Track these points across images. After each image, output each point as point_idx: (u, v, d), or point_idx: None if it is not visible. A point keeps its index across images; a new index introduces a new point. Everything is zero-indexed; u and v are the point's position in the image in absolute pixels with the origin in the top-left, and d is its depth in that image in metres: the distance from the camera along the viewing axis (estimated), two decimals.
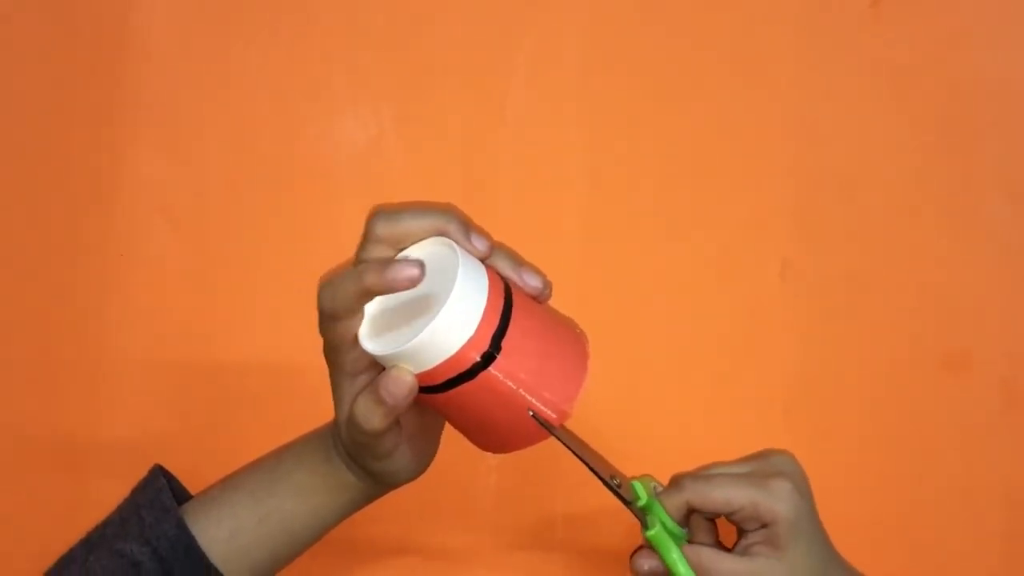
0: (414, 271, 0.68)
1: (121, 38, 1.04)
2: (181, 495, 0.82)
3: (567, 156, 1.03)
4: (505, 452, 0.75)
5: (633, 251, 1.02)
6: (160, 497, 0.79)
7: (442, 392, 0.70)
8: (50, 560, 0.80)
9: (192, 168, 1.05)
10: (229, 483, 0.81)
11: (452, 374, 0.69)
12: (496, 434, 0.74)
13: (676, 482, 0.76)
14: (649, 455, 0.98)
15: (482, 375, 0.69)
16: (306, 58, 1.04)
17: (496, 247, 0.73)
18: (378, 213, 0.73)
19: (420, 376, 0.70)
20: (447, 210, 0.72)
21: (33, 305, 1.05)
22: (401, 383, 0.70)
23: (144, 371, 1.04)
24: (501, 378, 0.70)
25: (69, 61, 1.05)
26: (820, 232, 1.01)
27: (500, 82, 1.03)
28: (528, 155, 1.03)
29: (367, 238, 0.73)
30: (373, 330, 0.72)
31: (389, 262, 0.69)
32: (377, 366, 0.72)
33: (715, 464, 0.77)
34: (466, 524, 1.02)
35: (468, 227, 0.72)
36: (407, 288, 0.69)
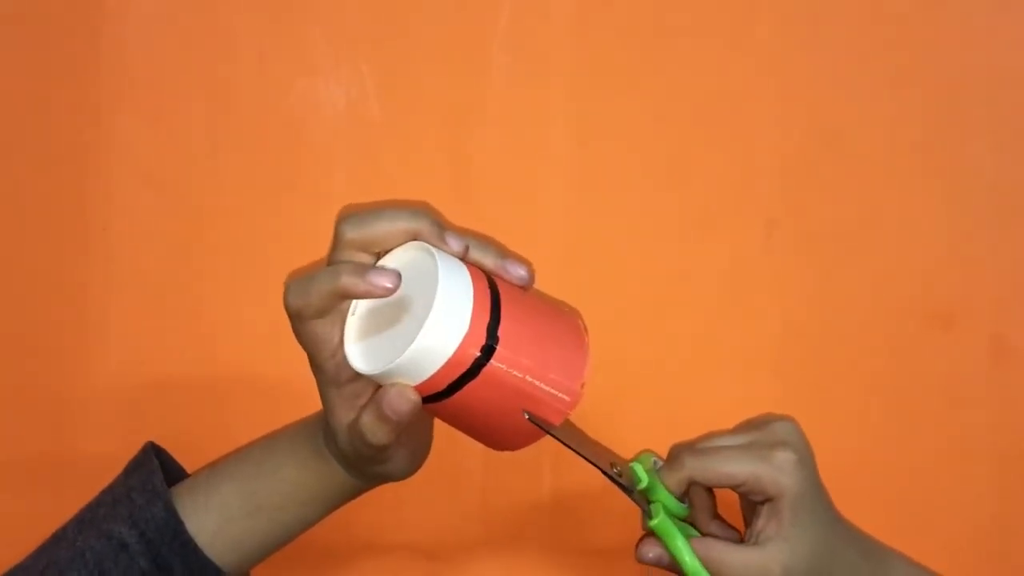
0: (391, 281, 0.68)
1: (100, 1, 1.03)
2: (174, 471, 0.82)
3: (551, 114, 1.02)
4: (519, 448, 0.74)
5: (618, 211, 1.02)
6: (152, 479, 0.79)
7: (447, 397, 0.69)
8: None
9: (175, 133, 1.04)
10: (218, 471, 0.80)
11: (454, 376, 0.69)
12: (508, 430, 0.73)
13: (675, 456, 0.75)
14: (637, 418, 0.98)
15: (485, 370, 0.69)
16: (287, 19, 1.03)
17: (477, 240, 0.72)
18: (346, 217, 0.71)
19: (422, 386, 0.69)
20: (418, 210, 0.71)
21: (13, 279, 1.04)
22: (404, 399, 0.69)
23: (129, 345, 1.04)
24: (505, 368, 0.69)
25: (47, 24, 1.04)
26: (806, 190, 1.01)
27: (484, 41, 1.02)
28: (512, 114, 1.02)
29: (337, 243, 0.71)
30: (356, 343, 0.71)
31: (367, 266, 0.69)
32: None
33: (713, 434, 0.76)
34: (453, 505, 1.02)
35: (441, 227, 0.71)
36: (382, 296, 0.68)
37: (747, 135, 1.01)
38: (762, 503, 0.73)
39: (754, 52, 1.01)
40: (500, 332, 0.69)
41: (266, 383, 1.02)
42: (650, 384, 1.01)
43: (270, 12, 1.03)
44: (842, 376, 1.01)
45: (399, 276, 0.68)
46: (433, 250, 0.70)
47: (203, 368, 1.03)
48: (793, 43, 1.01)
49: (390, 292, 0.68)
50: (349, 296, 0.70)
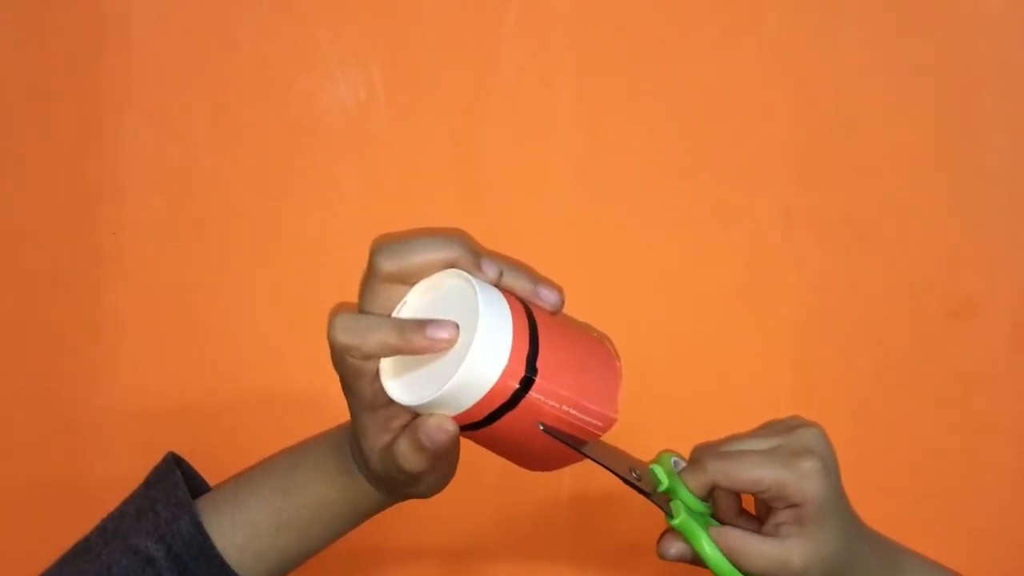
0: (453, 336, 0.67)
1: (103, 6, 1.03)
2: (195, 482, 0.82)
3: (560, 111, 1.01)
4: (554, 469, 0.74)
5: (632, 206, 1.01)
6: (176, 492, 0.79)
7: (485, 427, 0.69)
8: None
9: (183, 137, 1.03)
10: (244, 485, 0.80)
11: (493, 407, 0.68)
12: (542, 454, 0.73)
13: (698, 459, 0.74)
14: (656, 412, 0.98)
15: (524, 401, 0.68)
16: (295, 20, 1.02)
17: (510, 266, 0.72)
18: (380, 248, 0.71)
19: (459, 416, 0.69)
20: (453, 238, 0.71)
21: (24, 286, 1.04)
22: (443, 431, 0.69)
23: (142, 352, 1.03)
24: (543, 399, 0.69)
25: (49, 27, 1.03)
26: (824, 181, 1.00)
27: (491, 39, 1.01)
28: (522, 112, 1.01)
29: (373, 276, 0.71)
30: (393, 372, 0.70)
31: (426, 322, 0.68)
32: None
33: (737, 437, 0.75)
34: (472, 508, 1.01)
35: (477, 254, 0.71)
36: (442, 351, 0.68)
37: (762, 126, 1.00)
38: (783, 508, 0.73)
39: (768, 42, 1.00)
40: (539, 363, 0.69)
41: (280, 393, 1.02)
42: (668, 377, 1.01)
43: (277, 13, 1.02)
44: (862, 366, 1.00)
45: (457, 328, 0.68)
46: (472, 280, 0.69)
47: (215, 379, 1.03)
48: (807, 33, 1.00)
49: (451, 347, 0.68)
50: (407, 353, 0.69)
